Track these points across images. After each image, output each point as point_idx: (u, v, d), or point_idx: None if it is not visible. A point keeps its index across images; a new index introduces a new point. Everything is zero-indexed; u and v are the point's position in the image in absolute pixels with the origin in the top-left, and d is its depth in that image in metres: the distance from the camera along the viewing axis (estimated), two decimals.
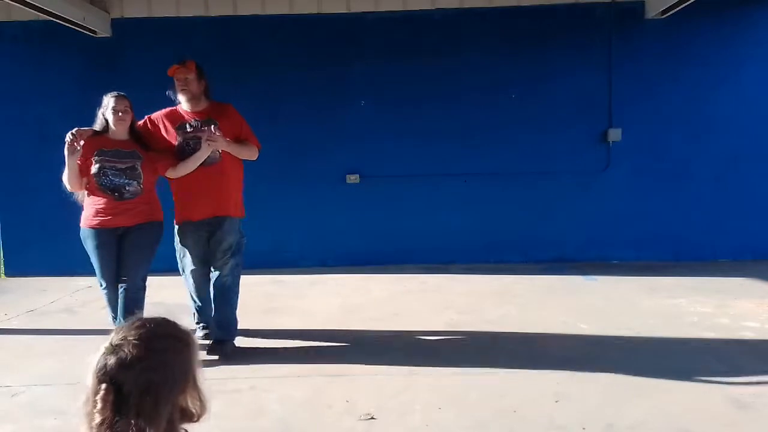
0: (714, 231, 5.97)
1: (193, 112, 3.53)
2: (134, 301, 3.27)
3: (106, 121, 3.37)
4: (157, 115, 3.59)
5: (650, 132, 5.93)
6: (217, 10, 5.91)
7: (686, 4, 5.23)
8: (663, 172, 5.95)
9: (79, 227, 3.41)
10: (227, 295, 3.56)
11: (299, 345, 3.69)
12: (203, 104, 3.56)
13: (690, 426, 2.51)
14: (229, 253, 3.53)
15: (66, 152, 3.28)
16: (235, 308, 3.63)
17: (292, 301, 4.79)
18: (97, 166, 3.27)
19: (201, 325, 3.77)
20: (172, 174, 3.46)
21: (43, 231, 6.05)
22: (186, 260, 3.63)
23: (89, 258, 3.37)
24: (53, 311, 4.70)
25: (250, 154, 3.64)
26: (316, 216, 6.06)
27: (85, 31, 5.69)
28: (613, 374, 3.09)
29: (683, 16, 5.61)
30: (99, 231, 3.29)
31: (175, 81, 3.51)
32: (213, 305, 3.61)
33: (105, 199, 3.29)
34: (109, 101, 3.37)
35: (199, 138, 3.40)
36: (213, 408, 2.94)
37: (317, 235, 6.08)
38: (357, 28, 5.92)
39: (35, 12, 5.01)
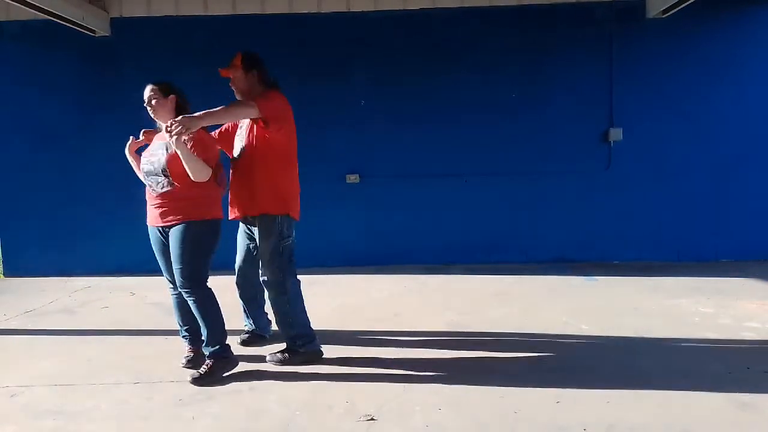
0: (715, 231, 5.96)
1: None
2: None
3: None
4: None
5: (651, 132, 5.93)
6: (216, 9, 5.90)
7: (687, 3, 5.23)
8: (664, 172, 5.95)
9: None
10: (269, 301, 3.59)
11: None
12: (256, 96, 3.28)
13: (691, 427, 2.50)
14: (266, 256, 3.36)
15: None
16: None
17: None
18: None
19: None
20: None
21: (41, 231, 6.05)
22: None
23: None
24: (52, 312, 4.68)
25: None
26: (316, 216, 6.02)
27: (84, 31, 5.69)
28: (614, 375, 3.08)
29: (684, 16, 5.60)
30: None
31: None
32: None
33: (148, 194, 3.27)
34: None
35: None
36: (213, 409, 2.96)
37: (317, 235, 6.05)
38: (357, 27, 5.91)
39: (34, 11, 5.00)
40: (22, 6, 4.82)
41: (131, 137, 3.43)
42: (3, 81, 5.95)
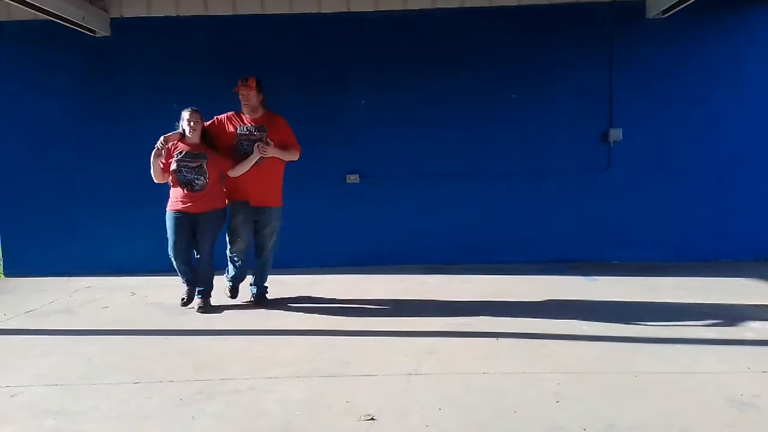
0: (715, 231, 5.96)
1: (251, 119, 4.45)
2: (207, 266, 4.49)
3: (184, 129, 4.32)
4: (223, 116, 4.52)
5: (651, 132, 5.93)
6: (216, 10, 5.90)
7: (687, 3, 5.23)
8: (664, 172, 5.95)
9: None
10: (266, 266, 4.72)
11: (299, 345, 3.68)
12: (260, 113, 4.47)
13: (690, 426, 2.51)
14: (273, 236, 4.62)
15: (153, 154, 4.26)
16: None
17: (291, 301, 4.78)
18: (175, 165, 4.28)
19: (230, 285, 4.72)
20: (232, 174, 4.39)
21: (42, 231, 6.05)
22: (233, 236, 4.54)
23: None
24: (52, 311, 4.68)
25: (292, 157, 4.58)
26: (316, 216, 6.05)
27: (85, 31, 5.68)
28: (613, 375, 3.08)
29: (684, 16, 5.60)
30: (178, 214, 4.33)
31: (240, 94, 4.36)
32: (256, 273, 4.72)
33: (182, 191, 4.31)
34: (185, 114, 4.32)
35: (252, 141, 4.36)
36: (213, 408, 2.96)
37: (317, 235, 6.07)
38: (357, 28, 5.91)
39: (34, 11, 5.00)
40: (22, 6, 4.82)
41: (161, 138, 4.24)
42: (3, 81, 5.94)
